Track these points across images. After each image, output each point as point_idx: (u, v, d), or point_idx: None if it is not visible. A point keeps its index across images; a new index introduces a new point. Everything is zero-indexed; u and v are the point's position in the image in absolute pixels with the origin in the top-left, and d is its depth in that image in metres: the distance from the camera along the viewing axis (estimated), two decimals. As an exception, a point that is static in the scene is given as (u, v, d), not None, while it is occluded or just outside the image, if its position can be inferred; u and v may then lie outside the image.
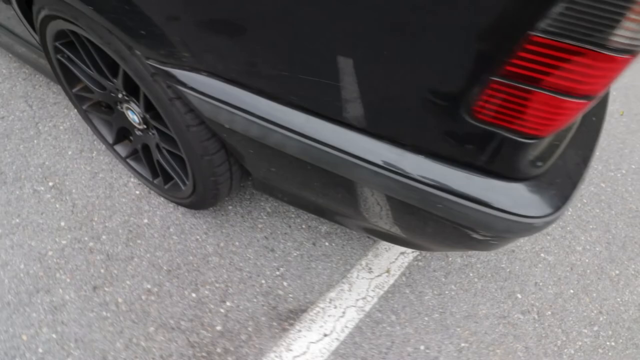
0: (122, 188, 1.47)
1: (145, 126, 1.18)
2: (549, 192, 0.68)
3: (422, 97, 0.60)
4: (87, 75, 1.15)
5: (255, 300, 1.26)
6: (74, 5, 0.82)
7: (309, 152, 0.76)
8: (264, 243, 1.40)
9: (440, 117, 0.62)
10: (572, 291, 1.42)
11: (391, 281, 1.37)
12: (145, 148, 1.28)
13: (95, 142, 1.59)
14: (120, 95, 1.13)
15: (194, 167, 1.03)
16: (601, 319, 1.36)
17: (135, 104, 1.10)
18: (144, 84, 0.88)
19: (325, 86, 0.67)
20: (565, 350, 1.28)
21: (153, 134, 1.18)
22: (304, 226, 1.48)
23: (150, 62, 0.82)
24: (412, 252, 1.45)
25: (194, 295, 1.25)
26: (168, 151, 1.15)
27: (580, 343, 1.30)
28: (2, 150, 1.52)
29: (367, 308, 1.29)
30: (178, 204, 1.38)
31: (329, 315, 1.26)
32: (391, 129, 0.68)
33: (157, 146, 1.20)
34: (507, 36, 0.48)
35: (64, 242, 1.30)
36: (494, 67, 0.52)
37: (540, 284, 1.43)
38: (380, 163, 0.70)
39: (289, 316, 1.25)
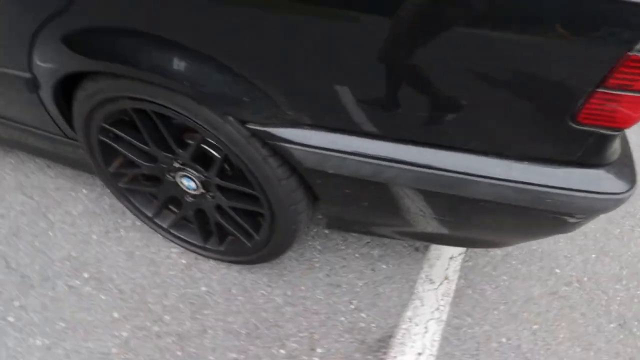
0: (166, 261, 1.38)
1: (203, 190, 1.16)
2: (625, 171, 0.83)
3: (535, 115, 0.72)
4: (136, 150, 1.11)
5: (342, 339, 1.25)
6: (162, 84, 0.82)
7: (425, 179, 0.83)
8: (328, 281, 1.40)
9: (548, 127, 0.74)
10: (594, 255, 1.63)
11: (453, 286, 1.45)
12: (198, 213, 1.24)
13: (119, 220, 1.48)
14: (176, 164, 1.11)
15: (279, 218, 1.03)
16: (624, 272, 1.57)
17: (197, 170, 1.08)
18: (236, 147, 0.89)
19: (443, 119, 0.76)
20: (612, 308, 1.45)
21: (212, 196, 1.16)
22: (357, 255, 1.51)
23: (249, 125, 0.84)
24: (459, 254, 1.56)
25: (282, 351, 1.20)
26: (234, 209, 1.14)
27: (619, 298, 1.48)
28: (15, 252, 1.34)
29: (444, 317, 1.35)
30: (234, 262, 1.34)
31: (414, 334, 1.29)
32: (500, 145, 0.79)
33: (217, 208, 1.17)
34: (613, 58, 0.62)
35: (124, 334, 1.18)
36: (601, 82, 0.66)
37: (569, 255, 1.62)
38: (495, 175, 0.80)
39: (379, 345, 1.25)
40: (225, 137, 0.88)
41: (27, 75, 1.01)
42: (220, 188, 1.11)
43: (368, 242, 1.57)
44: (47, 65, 0.94)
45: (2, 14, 0.89)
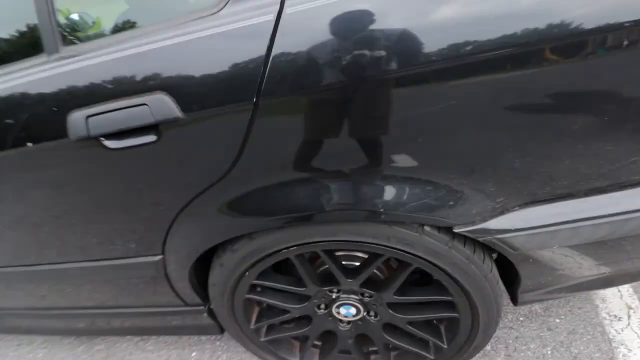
0: (328, 408, 1.15)
1: (365, 313, 1.00)
2: None
3: None
4: (285, 295, 0.97)
5: None
6: (349, 218, 0.72)
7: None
8: (513, 362, 1.19)
9: None
10: None
11: (643, 314, 1.26)
12: (356, 339, 1.06)
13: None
14: (333, 295, 0.96)
15: (483, 318, 0.87)
16: None
17: (363, 294, 0.93)
18: (434, 257, 0.76)
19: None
20: None
21: (375, 315, 1.00)
22: (521, 319, 1.31)
23: (455, 229, 0.73)
24: (620, 276, 1.38)
25: None
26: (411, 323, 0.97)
27: None
28: None
29: (664, 356, 1.14)
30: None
31: (648, 393, 1.07)
32: None
33: (386, 327, 1.00)
34: None
35: None
36: None
37: None
38: None
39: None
40: (421, 250, 0.76)
41: (156, 258, 0.90)
42: (393, 305, 0.95)
43: (520, 298, 1.39)
44: (188, 240, 0.83)
45: (134, 210, 0.80)
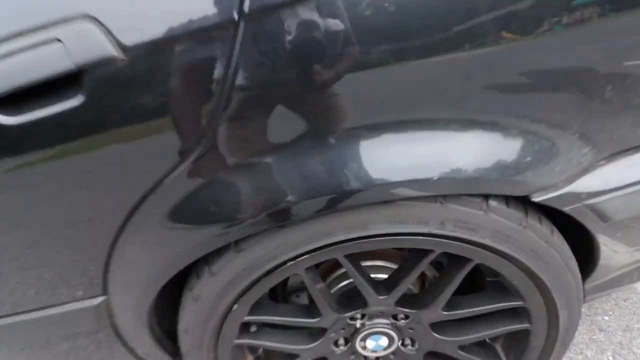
0: None
1: (400, 343, 0.74)
2: None
3: None
4: (291, 333, 0.69)
5: None
6: (384, 198, 0.48)
7: None
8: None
9: None
10: None
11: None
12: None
13: None
14: (358, 323, 0.70)
15: (563, 323, 0.65)
16: None
17: (392, 318, 0.68)
18: (503, 243, 0.54)
19: None
20: None
21: (413, 344, 0.74)
22: (564, 322, 1.11)
23: (534, 197, 0.52)
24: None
25: None
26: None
27: None
28: None
29: None
30: None
31: None
32: None
33: (427, 356, 0.75)
34: None
35: None
36: None
37: None
38: None
39: None
40: (488, 235, 0.53)
41: (95, 301, 0.60)
42: (437, 325, 0.71)
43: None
44: (141, 269, 0.55)
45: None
